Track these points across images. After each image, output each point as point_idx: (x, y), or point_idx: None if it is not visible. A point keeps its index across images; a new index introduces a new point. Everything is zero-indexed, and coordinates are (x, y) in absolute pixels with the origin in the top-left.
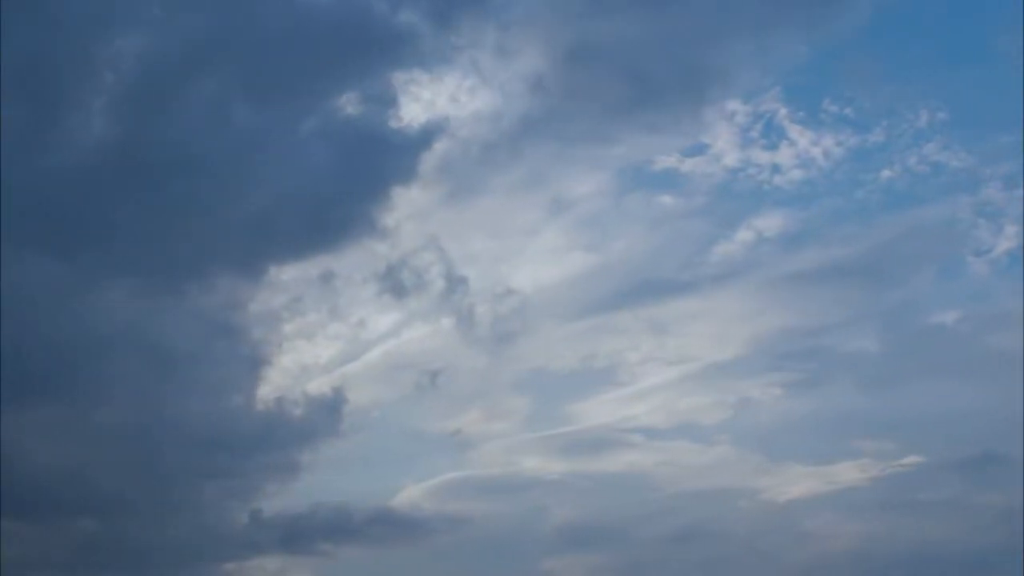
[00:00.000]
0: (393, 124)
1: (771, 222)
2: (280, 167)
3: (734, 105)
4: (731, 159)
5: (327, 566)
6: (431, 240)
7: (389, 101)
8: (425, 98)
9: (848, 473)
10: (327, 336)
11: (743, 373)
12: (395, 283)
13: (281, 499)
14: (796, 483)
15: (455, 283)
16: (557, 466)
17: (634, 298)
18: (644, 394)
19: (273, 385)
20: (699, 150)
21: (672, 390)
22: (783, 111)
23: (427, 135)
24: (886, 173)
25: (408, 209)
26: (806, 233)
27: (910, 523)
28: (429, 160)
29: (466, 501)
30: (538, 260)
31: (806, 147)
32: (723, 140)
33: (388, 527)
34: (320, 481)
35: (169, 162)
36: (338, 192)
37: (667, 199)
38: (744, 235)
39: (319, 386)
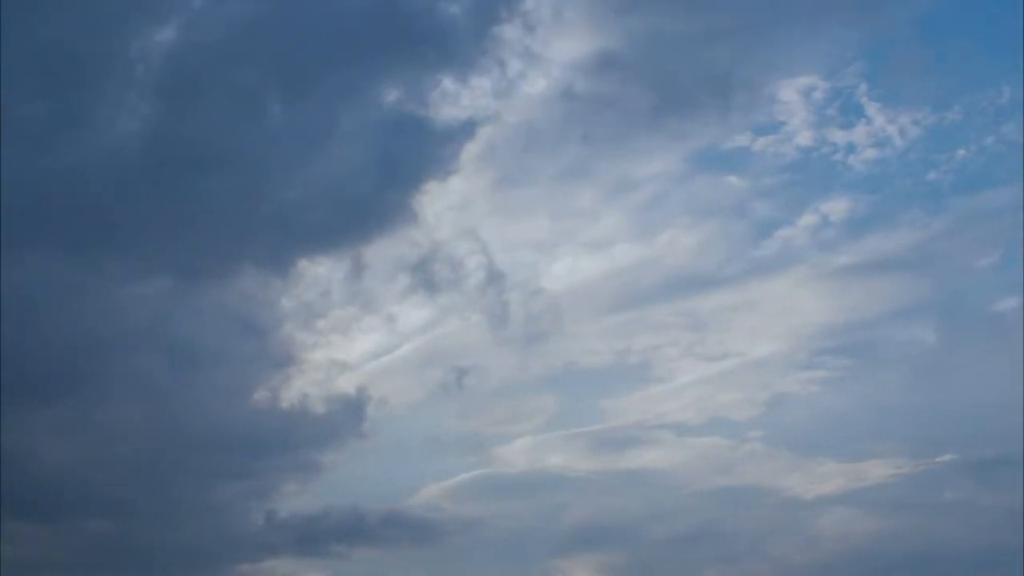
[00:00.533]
0: (433, 112)
1: (838, 205)
2: (313, 158)
3: (812, 80)
4: (805, 138)
5: (341, 567)
6: (468, 232)
7: (430, 87)
8: (472, 82)
9: (878, 470)
10: (355, 332)
11: (782, 369)
12: (428, 277)
13: (299, 500)
14: (824, 480)
15: (490, 276)
16: (582, 464)
17: (674, 292)
18: (677, 391)
19: (297, 383)
20: (772, 128)
21: (706, 386)
22: (863, 87)
23: (470, 121)
24: (960, 153)
25: (447, 200)
26: (872, 217)
27: (933, 522)
28: (471, 148)
29: (485, 500)
30: (580, 253)
31: (883, 125)
32: (798, 118)
33: (402, 528)
34: (340, 481)
35: (200, 156)
36: (372, 183)
37: (734, 180)
38: (808, 219)
39: (344, 384)
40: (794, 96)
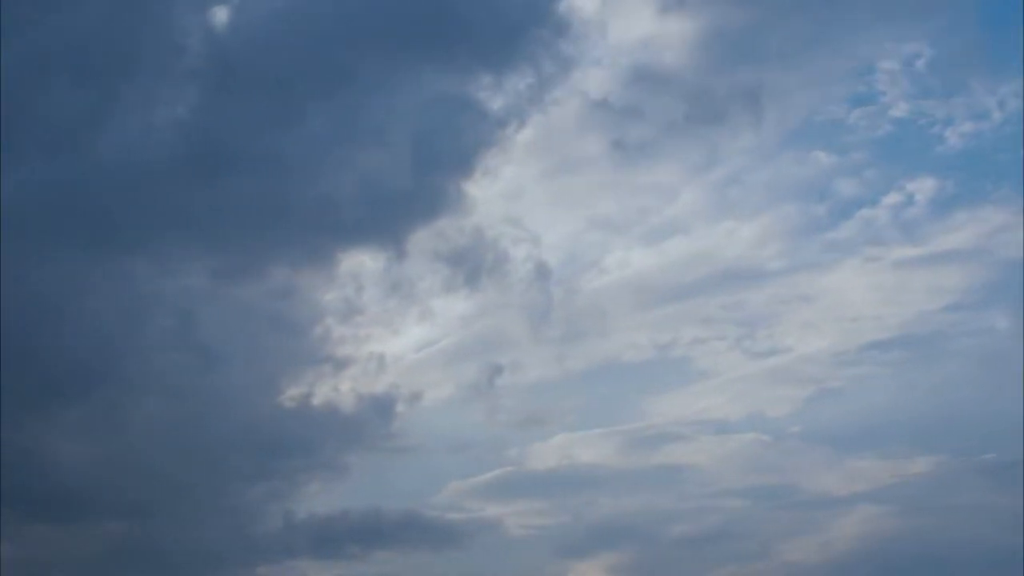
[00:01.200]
0: (482, 98)
1: (925, 184)
2: (353, 149)
3: (916, 47)
4: (900, 110)
5: (361, 569)
6: (514, 222)
7: (478, 73)
8: (522, 68)
9: (917, 468)
10: (393, 327)
11: (829, 364)
12: (470, 269)
13: (320, 500)
14: (859, 478)
15: (535, 269)
16: (614, 461)
17: (727, 283)
18: (720, 387)
19: (329, 380)
20: (869, 99)
21: (750, 382)
22: (968, 55)
23: (521, 106)
24: None
25: (494, 189)
26: (960, 197)
27: (962, 521)
28: (523, 135)
29: (509, 499)
30: (635, 244)
31: (982, 97)
32: (897, 87)
33: (421, 530)
34: (364, 481)
35: (236, 149)
36: (414, 173)
37: (822, 156)
38: (892, 198)
39: (377, 381)
40: (895, 65)
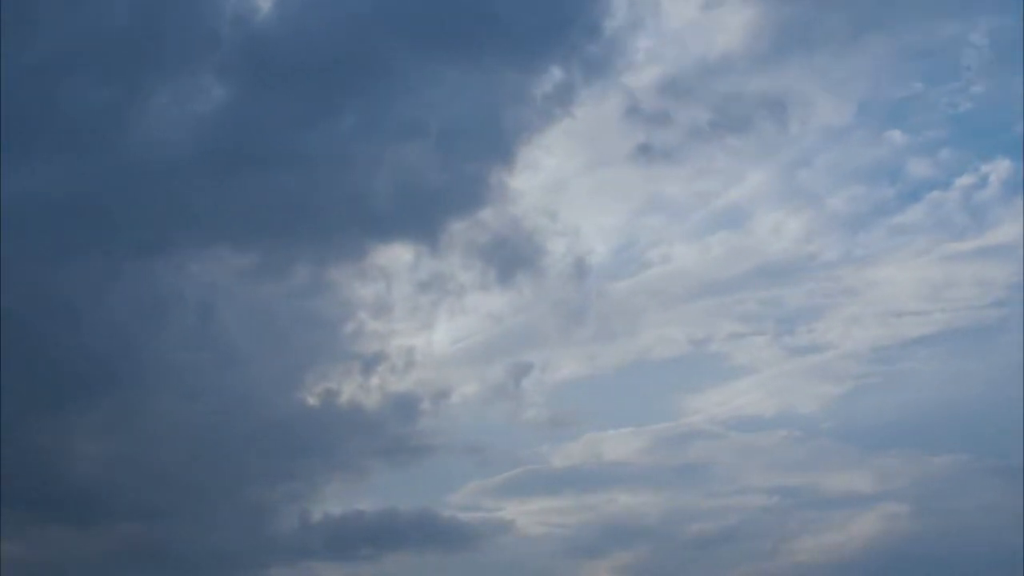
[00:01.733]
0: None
1: (1001, 165)
2: (386, 142)
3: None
4: (983, 85)
5: (379, 570)
6: (552, 216)
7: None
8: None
9: (940, 467)
10: (419, 323)
11: (873, 360)
12: (505, 264)
13: (340, 501)
14: (881, 477)
15: (573, 263)
16: (639, 460)
17: (766, 279)
18: (754, 384)
19: (357, 377)
20: (952, 75)
21: (785, 379)
22: None
23: (563, 97)
24: None
25: (531, 182)
26: None
27: (977, 522)
28: (563, 126)
29: (525, 498)
30: (677, 240)
31: None
32: (981, 59)
33: (435, 530)
34: (387, 481)
35: (268, 145)
36: (448, 164)
37: (896, 135)
38: (964, 180)
39: (405, 379)
40: (982, 40)
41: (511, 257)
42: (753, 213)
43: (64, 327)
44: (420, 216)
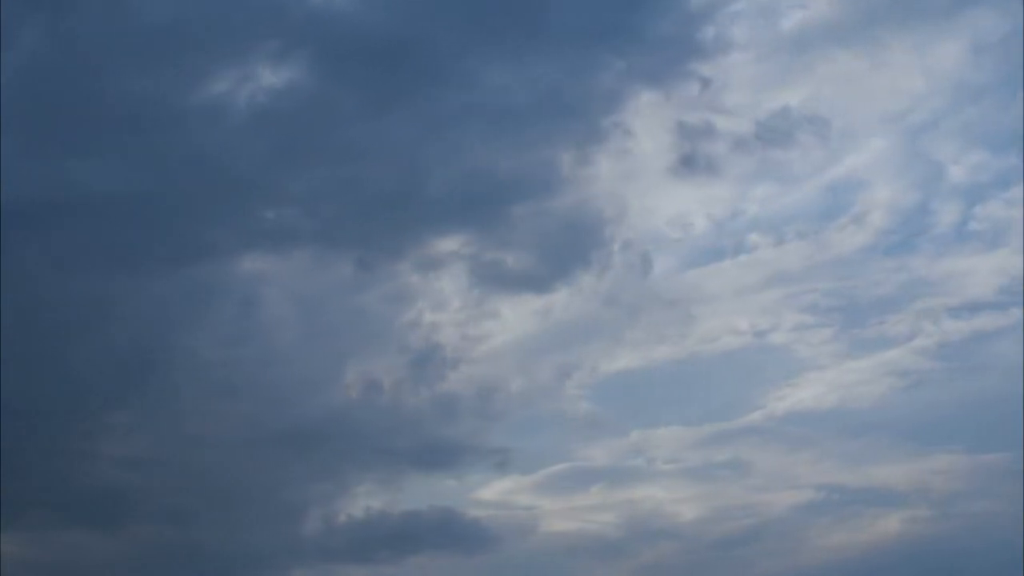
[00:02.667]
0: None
1: None
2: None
3: None
4: None
5: (400, 573)
6: (618, 203)
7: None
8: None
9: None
10: (470, 318)
11: (941, 355)
12: (563, 255)
13: (370, 502)
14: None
15: (631, 253)
16: (686, 456)
17: (838, 269)
18: (813, 380)
19: (401, 373)
20: None
21: (847, 374)
22: None
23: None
24: None
25: (597, 172)
26: None
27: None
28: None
29: (555, 496)
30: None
31: None
32: None
33: (458, 532)
34: (423, 481)
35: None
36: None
37: None
38: None
39: (448, 375)
40: None
41: (572, 247)
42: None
43: (96, 323)
44: (475, 206)
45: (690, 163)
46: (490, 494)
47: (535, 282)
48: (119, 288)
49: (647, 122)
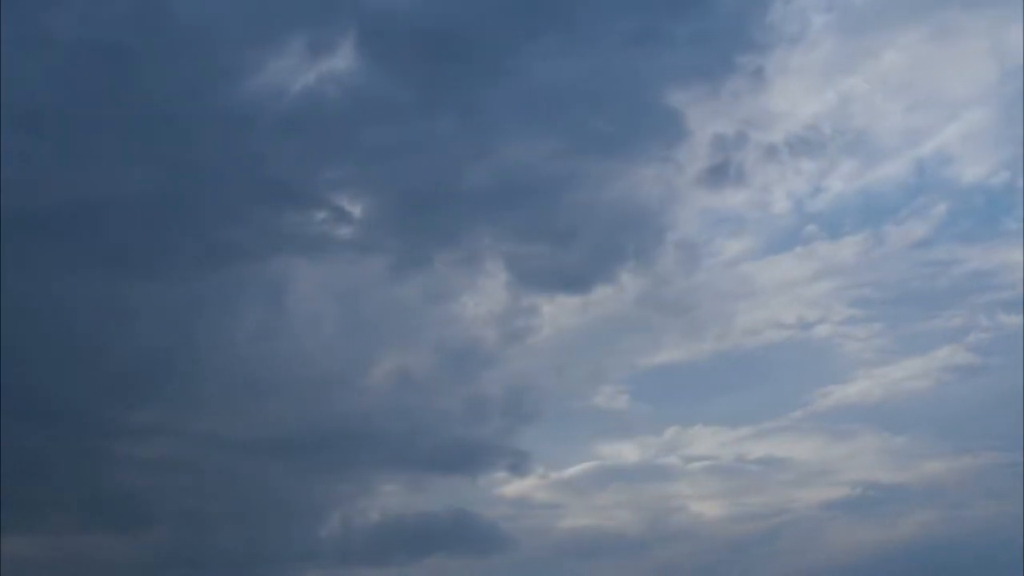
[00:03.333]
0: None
1: None
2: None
3: None
4: None
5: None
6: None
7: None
8: None
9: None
10: (504, 314)
11: (992, 351)
12: (609, 249)
13: (393, 503)
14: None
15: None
16: (719, 454)
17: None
18: (857, 376)
19: (430, 372)
20: None
21: (893, 368)
22: None
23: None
24: None
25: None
26: None
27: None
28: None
29: (584, 495)
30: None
31: None
32: None
33: (472, 534)
34: (447, 482)
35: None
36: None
37: None
38: None
39: (481, 374)
40: None
41: (618, 241)
42: None
43: (123, 324)
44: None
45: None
46: (512, 493)
47: (576, 279)
48: (144, 290)
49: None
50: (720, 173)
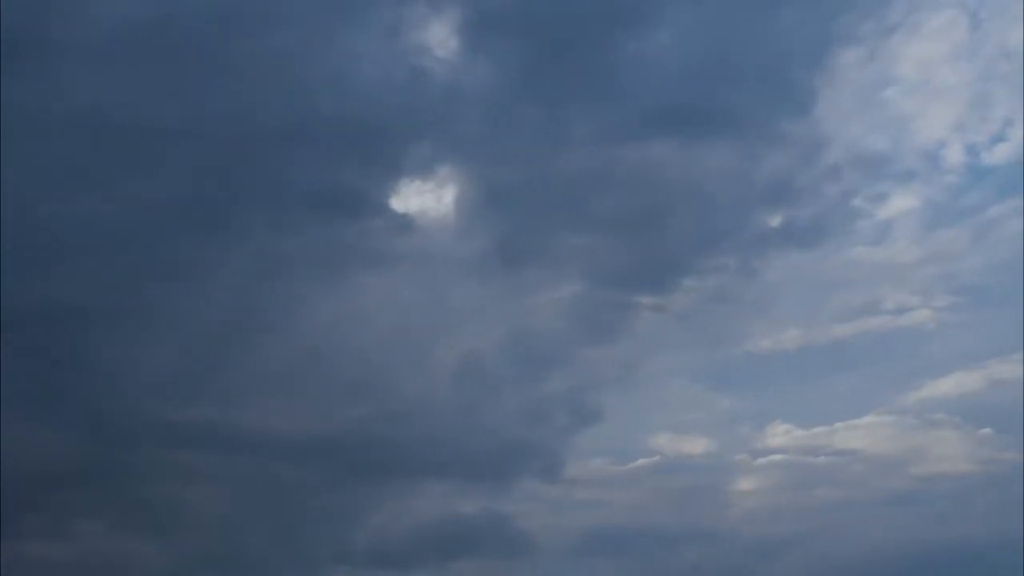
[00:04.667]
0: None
1: None
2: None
3: None
4: None
5: None
6: None
7: None
8: None
9: None
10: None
11: None
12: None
13: (432, 508)
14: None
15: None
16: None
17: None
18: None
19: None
20: None
21: (955, 361)
22: None
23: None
24: None
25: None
26: None
27: None
28: None
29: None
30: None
31: None
32: None
33: (503, 536)
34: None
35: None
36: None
37: None
38: None
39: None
40: None
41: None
42: None
43: (156, 327)
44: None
45: None
46: (555, 493)
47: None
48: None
49: None
50: None
